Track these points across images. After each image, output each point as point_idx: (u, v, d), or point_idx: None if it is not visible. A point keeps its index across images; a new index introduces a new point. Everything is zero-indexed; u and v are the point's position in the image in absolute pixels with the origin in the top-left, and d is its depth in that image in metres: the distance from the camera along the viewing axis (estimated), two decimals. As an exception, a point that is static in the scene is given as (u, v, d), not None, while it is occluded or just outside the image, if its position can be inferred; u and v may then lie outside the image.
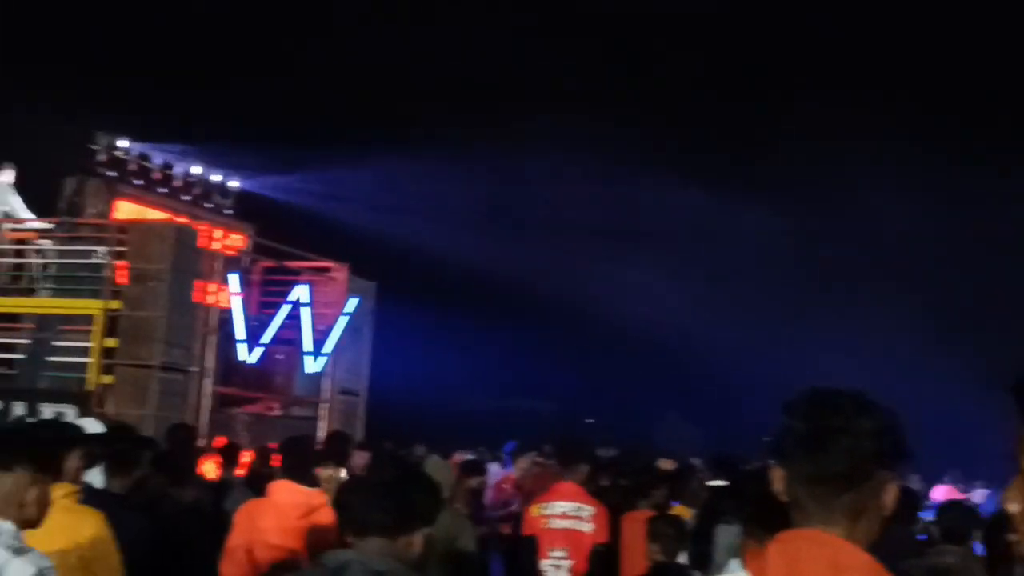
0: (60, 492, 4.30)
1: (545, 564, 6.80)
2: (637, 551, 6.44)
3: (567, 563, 6.78)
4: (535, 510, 6.95)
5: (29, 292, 12.42)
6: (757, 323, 28.26)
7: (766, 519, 2.66)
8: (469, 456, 12.09)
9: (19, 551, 3.33)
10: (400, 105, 27.03)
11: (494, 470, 11.32)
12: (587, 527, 6.76)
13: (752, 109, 29.55)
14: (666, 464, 9.66)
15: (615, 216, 29.19)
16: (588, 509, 6.84)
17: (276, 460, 10.19)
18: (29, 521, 3.49)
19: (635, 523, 6.76)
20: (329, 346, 12.80)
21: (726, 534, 4.36)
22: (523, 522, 7.01)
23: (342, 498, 3.25)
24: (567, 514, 6.83)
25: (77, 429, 5.61)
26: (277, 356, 12.92)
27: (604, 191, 28.35)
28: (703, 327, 27.43)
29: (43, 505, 3.52)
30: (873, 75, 29.58)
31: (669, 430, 29.92)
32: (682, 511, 7.03)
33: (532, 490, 8.60)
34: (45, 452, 3.56)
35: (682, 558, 5.80)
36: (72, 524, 4.69)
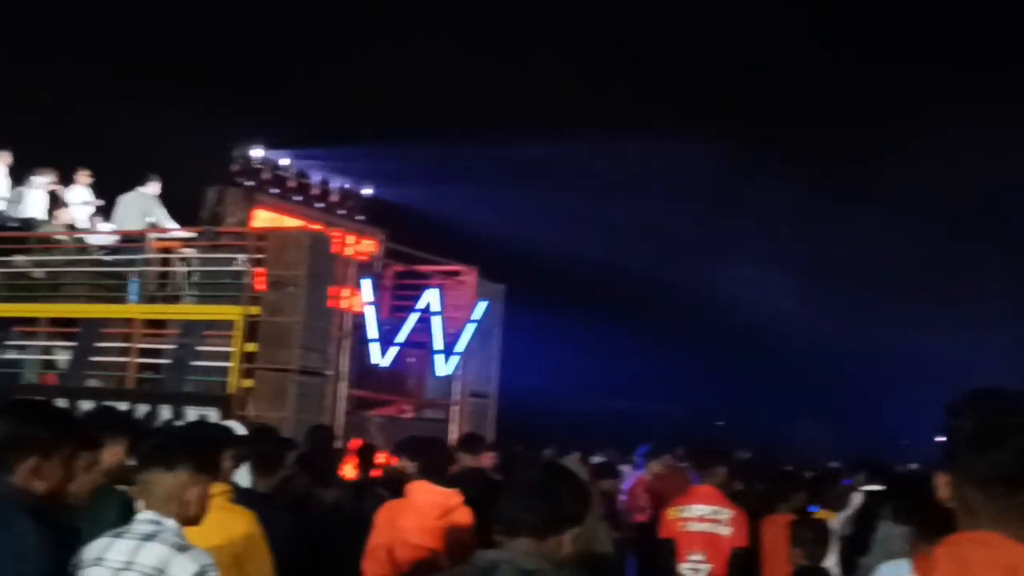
0: (214, 491, 4.44)
1: (683, 568, 6.75)
2: (778, 556, 6.35)
3: (705, 567, 6.72)
4: (672, 513, 6.90)
5: (174, 299, 12.78)
6: (892, 324, 27.50)
7: (935, 522, 2.60)
8: (599, 458, 12.09)
9: (182, 548, 3.43)
10: (526, 108, 27.07)
11: (627, 473, 11.30)
12: (726, 531, 6.69)
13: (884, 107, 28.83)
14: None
15: (747, 217, 28.76)
16: (726, 512, 6.76)
17: (395, 460, 10.44)
18: (190, 519, 3.60)
19: (776, 527, 6.66)
20: (459, 349, 12.90)
21: (887, 538, 4.28)
22: (660, 525, 6.97)
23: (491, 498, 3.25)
24: (705, 517, 6.76)
25: (228, 431, 5.81)
26: (409, 359, 13.03)
27: (735, 190, 27.95)
28: (836, 328, 26.85)
29: (203, 504, 3.64)
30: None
31: (802, 433, 29.35)
32: (825, 515, 6.89)
33: (665, 493, 8.55)
34: (204, 453, 3.67)
35: (828, 562, 5.69)
36: (226, 522, 4.84)
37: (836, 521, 7.09)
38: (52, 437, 3.53)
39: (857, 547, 6.22)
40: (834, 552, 6.27)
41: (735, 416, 28.42)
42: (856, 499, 7.89)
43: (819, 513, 7.08)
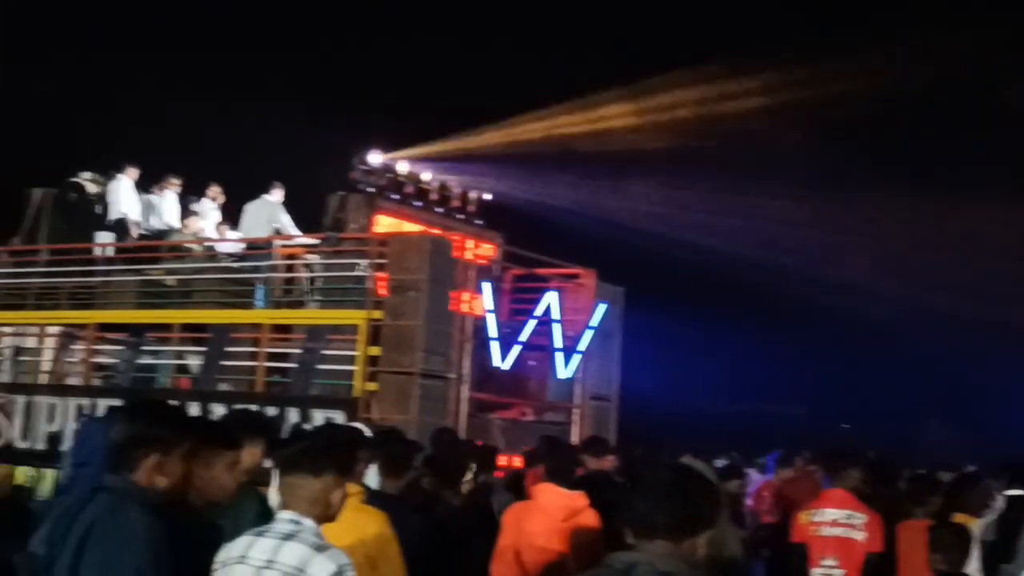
0: (348, 492, 4.54)
1: (815, 572, 6.65)
2: (915, 561, 6.19)
3: (839, 572, 6.60)
4: (804, 517, 6.79)
5: (299, 304, 13.06)
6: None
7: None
8: (722, 462, 11.94)
9: (321, 548, 3.52)
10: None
11: (753, 477, 11.16)
12: (860, 535, 6.55)
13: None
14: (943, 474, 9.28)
15: (871, 216, 27.98)
16: (860, 516, 6.63)
17: (517, 463, 10.47)
18: (328, 519, 3.71)
19: (912, 532, 6.50)
20: (579, 352, 12.88)
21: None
22: (791, 529, 6.86)
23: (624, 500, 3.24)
24: (838, 521, 6.64)
25: (360, 433, 5.92)
26: (529, 362, 13.07)
27: (859, 192, 27.19)
28: (965, 328, 25.97)
29: (342, 505, 3.74)
30: None
31: (931, 434, 28.50)
32: (965, 519, 6.68)
33: (794, 497, 8.40)
34: (347, 457, 3.75)
35: (969, 568, 5.52)
36: (359, 523, 4.94)
37: (977, 526, 6.88)
38: (172, 436, 3.67)
39: (1000, 553, 6.05)
40: (976, 558, 6.08)
41: (862, 419, 27.74)
42: (999, 503, 7.64)
43: (959, 517, 6.88)
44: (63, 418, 13.15)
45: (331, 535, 3.78)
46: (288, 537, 3.52)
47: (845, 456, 7.07)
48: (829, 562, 6.62)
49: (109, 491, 3.44)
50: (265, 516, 4.69)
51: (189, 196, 15.79)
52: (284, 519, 3.59)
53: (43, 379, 14.20)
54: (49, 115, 27.35)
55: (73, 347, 14.39)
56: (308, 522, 3.58)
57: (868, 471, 7.17)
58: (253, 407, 10.92)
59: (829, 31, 30.41)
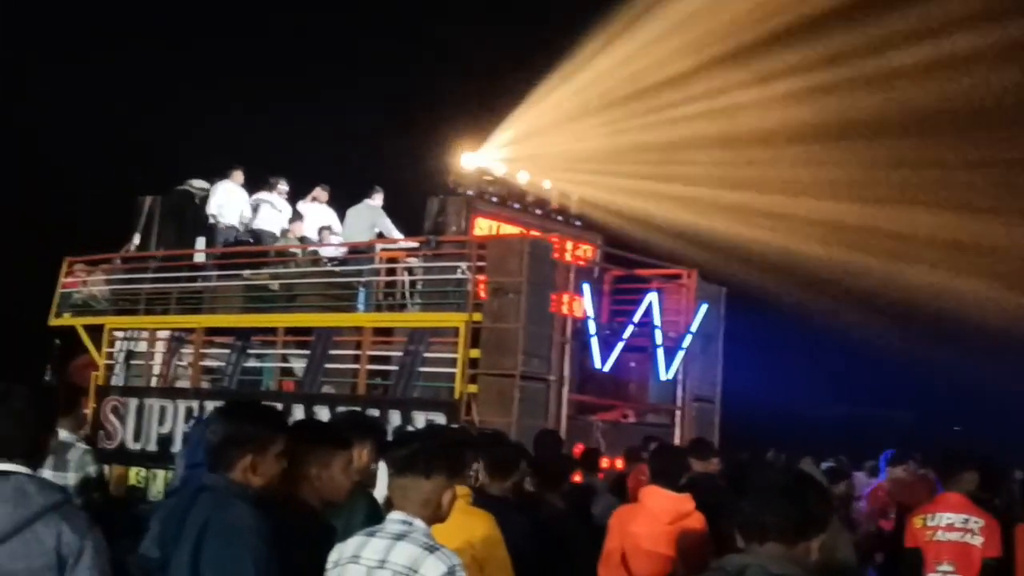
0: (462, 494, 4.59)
1: (933, 577, 6.51)
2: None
3: (956, 577, 6.45)
4: (918, 522, 6.66)
5: (400, 307, 13.18)
6: None
7: None
8: (829, 464, 11.75)
9: (432, 548, 3.55)
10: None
11: (860, 479, 10.98)
12: (977, 540, 6.39)
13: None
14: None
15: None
16: (977, 521, 6.47)
17: (619, 465, 10.43)
18: (438, 520, 3.74)
19: (1031, 537, 6.34)
20: (681, 353, 12.79)
21: None
22: (905, 534, 6.72)
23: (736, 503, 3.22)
24: (954, 526, 6.49)
25: (467, 435, 5.96)
26: (630, 364, 13.02)
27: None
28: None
29: (452, 506, 3.78)
30: None
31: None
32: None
33: (906, 500, 8.23)
34: (457, 459, 3.78)
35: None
36: (467, 524, 4.98)
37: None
38: (265, 435, 3.74)
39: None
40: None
41: (972, 422, 26.99)
42: None
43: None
44: (173, 420, 13.50)
45: (440, 536, 3.81)
46: (400, 537, 3.56)
47: (960, 459, 6.91)
48: (945, 568, 6.48)
49: (211, 490, 3.52)
50: (375, 517, 4.76)
51: (295, 198, 16.15)
52: (395, 520, 3.63)
53: (154, 382, 14.54)
54: (159, 121, 28.16)
55: (182, 351, 14.75)
56: (419, 523, 3.62)
57: (985, 475, 6.99)
58: (358, 409, 11.11)
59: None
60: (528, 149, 16.72)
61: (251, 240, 15.66)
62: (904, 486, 9.28)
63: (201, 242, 15.52)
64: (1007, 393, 28.41)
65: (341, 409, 10.70)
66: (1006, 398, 28.48)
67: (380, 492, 5.93)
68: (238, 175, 15.93)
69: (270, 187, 16.10)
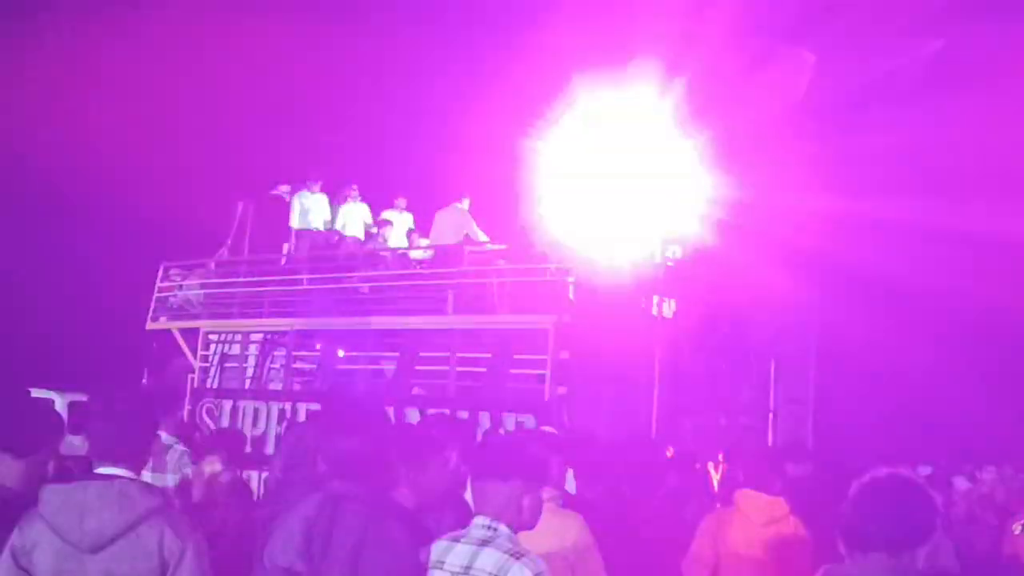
0: (545, 496, 4.56)
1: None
2: None
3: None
4: (1017, 528, 6.47)
5: (491, 309, 13.17)
6: None
7: None
8: (926, 470, 11.48)
9: (518, 554, 3.51)
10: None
11: (959, 484, 10.70)
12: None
13: None
14: None
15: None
16: (1083, 529, 6.27)
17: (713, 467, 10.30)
18: (524, 524, 3.68)
19: None
20: (773, 355, 12.63)
21: None
22: (1004, 541, 6.55)
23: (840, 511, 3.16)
24: None
25: (555, 438, 5.96)
26: (721, 365, 12.87)
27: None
28: None
29: (535, 510, 3.71)
30: None
31: None
32: None
33: (1007, 505, 8.01)
34: (536, 463, 3.76)
35: None
36: (558, 527, 4.98)
37: None
38: (392, 450, 3.76)
39: None
40: None
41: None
42: None
43: None
44: (266, 421, 13.70)
45: (529, 539, 3.78)
46: (484, 543, 3.53)
47: None
48: None
49: (357, 501, 3.51)
50: (464, 518, 4.78)
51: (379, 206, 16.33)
52: (480, 525, 3.60)
53: (247, 384, 14.77)
54: (251, 130, 28.59)
55: (274, 353, 14.98)
56: (503, 528, 3.57)
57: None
58: (447, 411, 11.16)
59: None
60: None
61: (337, 244, 15.86)
62: (1000, 489, 9.04)
63: (287, 247, 15.79)
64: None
65: (431, 411, 10.74)
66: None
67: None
68: (319, 183, 16.14)
69: (354, 193, 16.28)
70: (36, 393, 14.32)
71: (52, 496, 3.63)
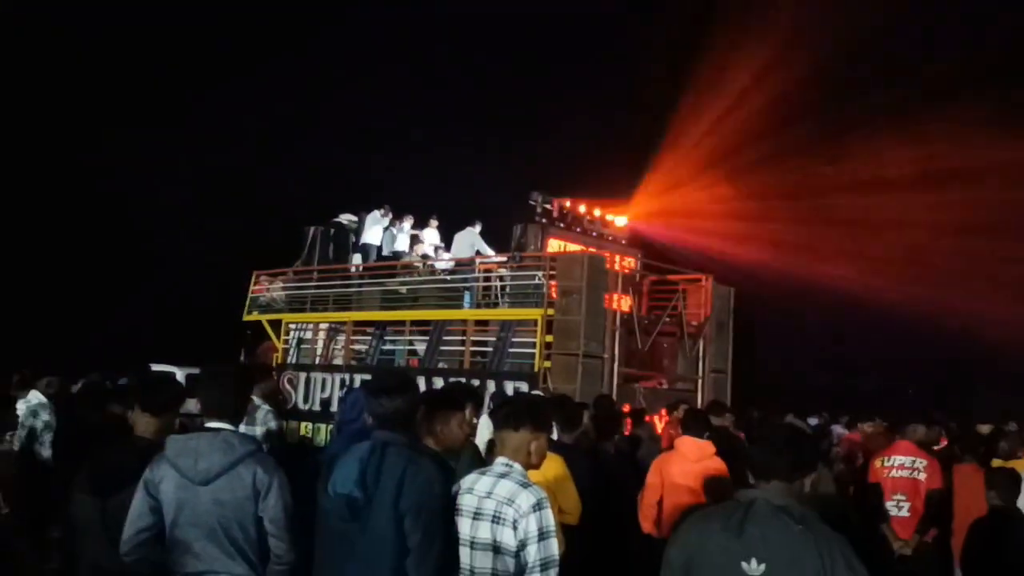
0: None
1: (889, 505, 6.36)
2: (966, 496, 5.94)
3: (906, 505, 6.31)
4: (878, 463, 6.51)
5: (494, 305, 13.18)
6: None
7: None
8: (814, 420, 11.51)
9: (526, 485, 3.50)
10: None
11: (837, 431, 10.71)
12: (922, 476, 6.25)
13: None
14: (983, 427, 8.67)
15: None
16: (923, 462, 6.33)
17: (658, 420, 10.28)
18: (531, 464, 3.65)
19: (964, 474, 6.24)
20: (701, 337, 12.63)
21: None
22: (868, 473, 6.57)
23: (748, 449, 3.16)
24: (904, 466, 6.36)
25: (545, 399, 5.94)
26: (663, 345, 12.88)
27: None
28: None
29: (541, 453, 3.67)
30: None
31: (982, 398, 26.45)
32: (1017, 465, 6.25)
33: (871, 447, 8.00)
34: (540, 416, 3.75)
35: (1021, 503, 5.14)
36: (544, 465, 4.98)
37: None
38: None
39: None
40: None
41: (923, 383, 26.11)
42: None
43: (995, 462, 6.45)
44: (331, 388, 13.68)
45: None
46: (503, 476, 3.51)
47: (911, 415, 6.76)
48: (899, 497, 6.32)
49: (398, 445, 3.45)
50: (478, 461, 4.76)
51: (416, 227, 16.32)
52: (500, 463, 3.58)
53: (317, 361, 14.74)
54: (316, 171, 28.59)
55: (337, 338, 14.96)
56: (517, 466, 3.56)
57: (932, 427, 6.80)
58: (463, 380, 11.15)
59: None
60: (586, 187, 16.69)
61: (388, 258, 15.87)
62: (869, 437, 9.02)
63: (357, 258, 15.77)
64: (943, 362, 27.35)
65: (451, 380, 10.74)
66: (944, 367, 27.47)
67: (481, 441, 5.96)
68: (379, 211, 16.19)
69: (400, 219, 16.30)
70: (158, 367, 14.29)
71: (174, 444, 3.64)
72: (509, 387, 11.45)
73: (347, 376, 13.36)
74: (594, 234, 14.85)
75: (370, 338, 14.56)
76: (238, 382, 3.77)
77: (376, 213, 16.07)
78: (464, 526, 3.43)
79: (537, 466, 3.67)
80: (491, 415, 4.17)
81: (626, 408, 10.20)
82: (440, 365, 13.05)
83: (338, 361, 14.56)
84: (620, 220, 15.74)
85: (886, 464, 6.48)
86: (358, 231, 16.06)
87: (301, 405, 14.02)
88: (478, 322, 13.01)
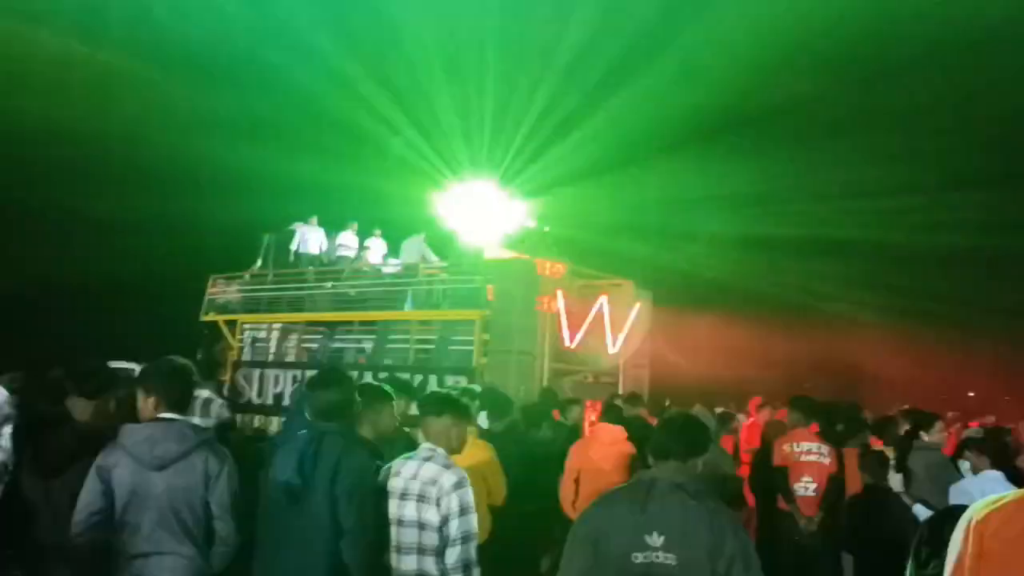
0: (469, 431, 4.61)
1: (797, 486, 6.57)
2: (854, 478, 6.11)
3: (812, 486, 6.52)
4: (787, 447, 6.70)
5: (436, 306, 13.18)
6: None
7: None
8: (721, 409, 11.73)
9: (448, 466, 3.58)
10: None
11: (741, 419, 10.96)
12: (826, 461, 6.48)
13: None
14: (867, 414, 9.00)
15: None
16: (825, 447, 6.54)
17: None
18: (453, 449, 3.73)
19: (851, 458, 6.43)
20: (622, 335, 12.79)
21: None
22: (775, 456, 6.76)
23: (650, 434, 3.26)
24: (812, 451, 6.57)
25: (472, 391, 5.99)
26: (589, 343, 13.01)
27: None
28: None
29: (461, 438, 3.77)
30: None
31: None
32: (881, 447, 6.53)
33: (770, 434, 8.23)
34: (459, 405, 3.81)
35: (892, 481, 5.39)
36: (475, 452, 5.04)
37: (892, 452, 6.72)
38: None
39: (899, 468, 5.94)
40: (894, 475, 5.95)
41: (818, 377, 26.90)
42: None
43: (876, 444, 6.73)
44: (283, 384, 13.49)
45: (458, 459, 3.83)
46: (427, 459, 3.57)
47: (814, 405, 6.97)
48: (806, 479, 6.52)
49: (333, 435, 3.46)
50: (411, 448, 4.79)
51: (364, 235, 16.19)
52: (424, 448, 3.65)
53: (270, 358, 14.54)
54: (274, 182, 27.98)
55: (289, 337, 14.76)
56: (440, 450, 3.62)
57: (824, 417, 7.03)
58: (405, 375, 11.12)
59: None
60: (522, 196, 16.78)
61: (331, 263, 15.69)
62: (769, 425, 9.29)
63: (307, 265, 15.58)
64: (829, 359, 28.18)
65: (395, 375, 10.68)
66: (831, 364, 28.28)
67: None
68: (315, 220, 16.05)
69: (350, 227, 16.15)
70: (116, 364, 13.89)
71: (130, 432, 3.59)
72: (450, 381, 11.43)
73: (299, 373, 13.18)
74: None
75: (321, 337, 14.39)
76: (187, 376, 3.74)
77: (313, 221, 15.95)
78: (392, 506, 3.46)
79: (458, 450, 3.73)
80: (417, 404, 4.20)
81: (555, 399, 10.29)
82: (386, 362, 12.98)
83: (290, 359, 14.37)
84: (549, 227, 15.85)
85: (796, 449, 6.66)
86: (297, 240, 15.90)
87: (255, 399, 13.81)
88: (421, 322, 12.95)
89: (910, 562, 2.47)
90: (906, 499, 5.49)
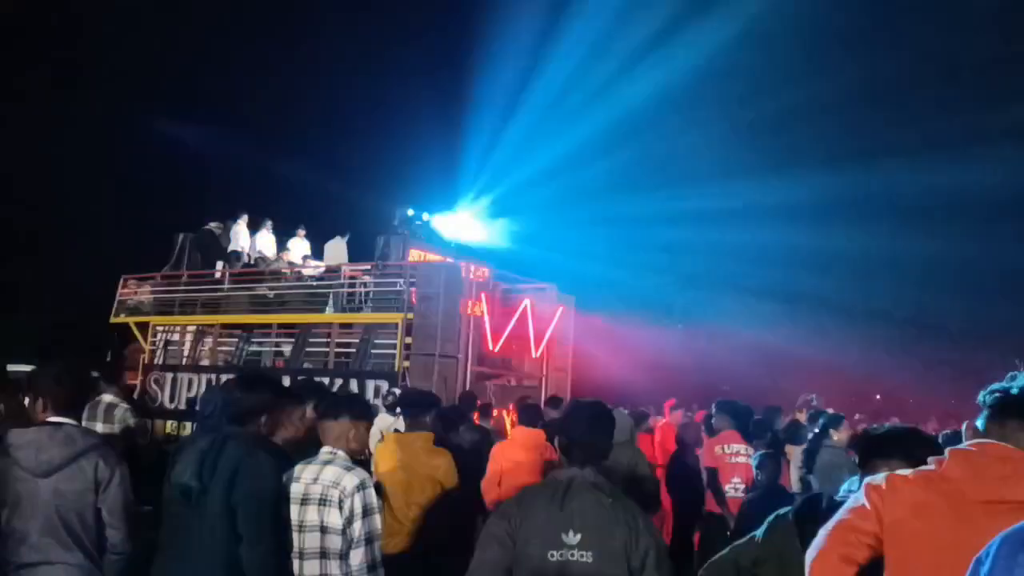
0: (422, 438, 4.59)
1: (727, 487, 6.67)
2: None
3: (742, 487, 6.62)
4: (718, 449, 6.79)
5: (359, 309, 12.98)
6: None
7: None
8: (638, 409, 11.89)
9: (349, 468, 3.44)
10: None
11: (656, 420, 11.11)
12: (753, 462, 6.59)
13: None
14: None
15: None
16: (750, 449, 6.66)
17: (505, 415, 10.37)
18: (353, 452, 3.57)
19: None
20: (545, 339, 12.85)
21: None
22: (705, 457, 6.84)
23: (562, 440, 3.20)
24: (740, 453, 6.68)
25: (394, 394, 5.83)
26: (512, 347, 13.03)
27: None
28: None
29: (361, 441, 3.59)
30: None
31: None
32: (789, 449, 6.70)
33: (684, 436, 8.34)
34: (357, 407, 3.67)
35: (788, 479, 5.50)
36: (388, 455, 4.90)
37: (793, 452, 6.91)
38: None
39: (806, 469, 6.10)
40: (792, 473, 6.10)
41: (739, 383, 27.65)
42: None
43: (789, 449, 6.90)
44: (197, 388, 13.07)
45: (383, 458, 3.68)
46: (327, 463, 3.44)
47: (738, 409, 7.09)
48: (736, 481, 6.62)
49: (238, 438, 3.32)
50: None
51: (283, 235, 15.78)
52: (324, 451, 3.51)
53: (184, 361, 14.07)
54: (187, 179, 27.20)
55: (204, 340, 14.30)
56: (341, 452, 3.49)
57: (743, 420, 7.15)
58: (325, 379, 10.88)
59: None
60: (444, 205, 16.72)
61: (253, 263, 15.26)
62: (683, 426, 9.44)
63: (220, 264, 15.07)
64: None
65: (314, 379, 10.44)
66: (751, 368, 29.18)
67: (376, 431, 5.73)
68: (244, 219, 15.55)
69: (265, 227, 15.72)
70: (14, 368, 13.15)
71: (15, 437, 3.35)
72: (371, 385, 11.28)
73: (213, 376, 12.77)
74: (452, 246, 14.86)
75: (237, 340, 13.97)
76: (78, 378, 3.51)
77: (241, 220, 15.46)
78: (293, 511, 3.34)
79: (359, 452, 3.63)
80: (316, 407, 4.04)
81: (478, 403, 10.24)
82: (305, 365, 12.68)
83: (205, 362, 13.90)
84: (474, 232, 15.84)
85: (727, 451, 6.75)
86: (225, 238, 15.36)
87: (167, 404, 13.31)
88: (343, 325, 12.73)
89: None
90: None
